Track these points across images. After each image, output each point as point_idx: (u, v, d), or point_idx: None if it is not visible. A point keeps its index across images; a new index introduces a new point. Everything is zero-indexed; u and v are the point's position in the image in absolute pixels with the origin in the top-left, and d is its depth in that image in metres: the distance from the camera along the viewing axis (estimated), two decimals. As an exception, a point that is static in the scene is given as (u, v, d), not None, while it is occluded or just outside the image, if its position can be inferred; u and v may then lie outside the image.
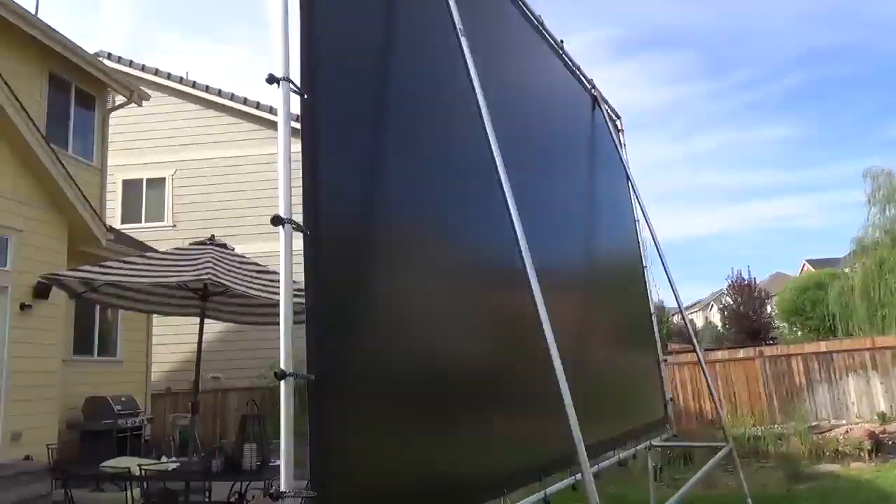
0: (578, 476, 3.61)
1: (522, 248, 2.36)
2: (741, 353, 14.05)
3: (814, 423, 12.62)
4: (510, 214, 2.40)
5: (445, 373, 2.41)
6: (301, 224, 1.90)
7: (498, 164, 2.46)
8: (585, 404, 4.06)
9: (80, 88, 12.58)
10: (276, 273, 1.94)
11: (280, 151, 1.87)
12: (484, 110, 2.49)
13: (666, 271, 4.98)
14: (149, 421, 12.03)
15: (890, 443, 11.07)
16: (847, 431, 11.50)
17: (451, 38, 2.53)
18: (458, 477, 2.40)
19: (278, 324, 1.76)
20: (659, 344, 5.24)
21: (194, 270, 5.91)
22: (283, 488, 1.72)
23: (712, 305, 49.60)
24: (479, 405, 2.54)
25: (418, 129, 2.56)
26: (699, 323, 52.62)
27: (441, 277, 2.49)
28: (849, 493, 7.65)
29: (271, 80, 1.85)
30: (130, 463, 5.61)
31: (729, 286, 35.00)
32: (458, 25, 2.57)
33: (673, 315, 58.90)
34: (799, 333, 32.08)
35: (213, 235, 7.47)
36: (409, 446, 2.14)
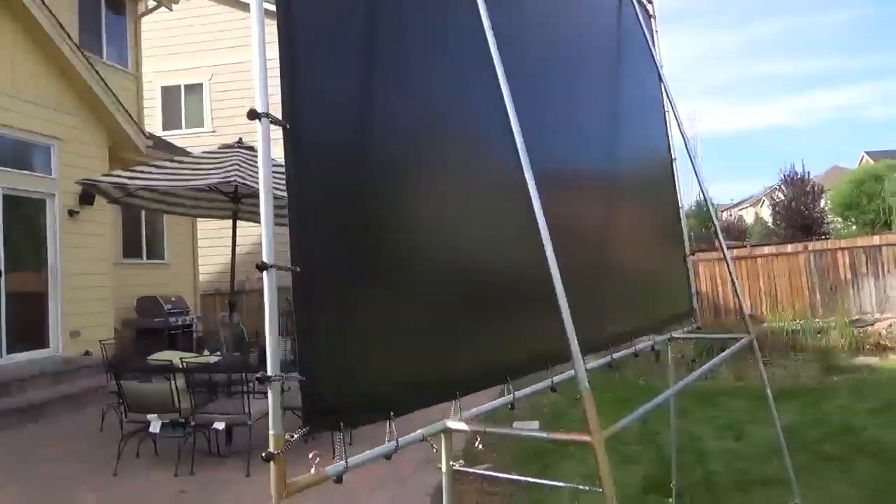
0: (591, 364, 3.68)
1: (517, 138, 2.30)
2: (788, 248, 13.76)
3: (856, 318, 12.46)
4: (506, 105, 2.32)
5: (440, 263, 2.42)
6: (280, 118, 1.89)
7: (493, 53, 2.36)
8: (602, 298, 4.08)
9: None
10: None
11: (254, 36, 1.83)
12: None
13: (693, 166, 4.83)
14: (199, 319, 12.65)
15: (934, 336, 10.88)
16: (890, 325, 11.33)
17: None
18: (456, 366, 2.46)
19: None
20: (687, 239, 5.14)
21: (223, 173, 6.01)
22: (269, 373, 1.80)
23: (764, 201, 48.29)
24: (476, 297, 2.57)
25: (409, 15, 2.46)
26: (749, 219, 51.52)
27: (432, 167, 2.46)
28: (881, 385, 7.63)
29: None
30: (174, 356, 5.95)
31: (781, 181, 33.93)
32: None
33: (722, 211, 57.72)
34: (853, 228, 31.18)
35: (241, 139, 7.52)
36: (399, 336, 2.19)
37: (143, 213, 11.82)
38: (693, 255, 5.58)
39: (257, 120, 1.84)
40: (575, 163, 4.01)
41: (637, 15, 4.80)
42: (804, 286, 13.13)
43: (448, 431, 2.50)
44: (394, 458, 2.17)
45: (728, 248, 20.24)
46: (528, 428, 5.54)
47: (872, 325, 11.78)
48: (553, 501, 4.51)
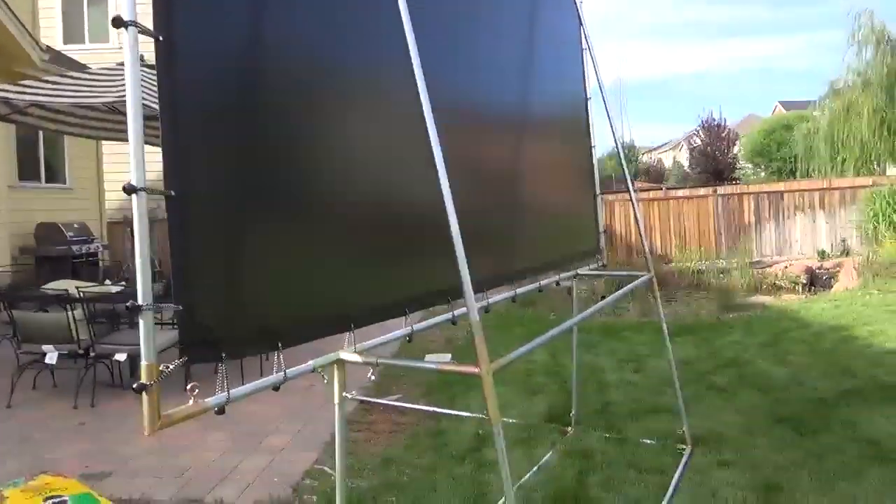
0: (496, 298, 3.73)
1: (416, 70, 2.21)
2: (700, 192, 14.29)
3: (756, 260, 13.18)
4: (406, 34, 2.22)
5: (335, 191, 2.34)
6: (150, 28, 1.74)
7: None
8: (511, 234, 4.11)
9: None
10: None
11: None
12: None
13: (606, 109, 4.87)
14: (105, 248, 12.10)
15: (824, 277, 11.66)
16: (786, 267, 12.04)
17: None
18: (353, 298, 2.42)
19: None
20: (597, 179, 5.21)
21: (117, 91, 5.61)
22: (139, 301, 1.71)
23: (683, 146, 49.78)
24: (374, 229, 2.51)
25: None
26: (668, 163, 53.14)
27: (326, 91, 2.34)
28: (770, 321, 8.14)
29: None
30: (69, 286, 5.67)
31: (699, 126, 35.05)
32: None
33: (643, 154, 59.18)
34: (763, 175, 32.71)
35: (142, 55, 7.01)
36: (287, 265, 2.12)
37: (41, 133, 11.03)
38: (605, 195, 5.69)
39: (124, 29, 1.68)
40: (485, 98, 3.95)
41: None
42: (711, 229, 13.72)
43: (341, 362, 2.49)
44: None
45: (645, 190, 20.89)
46: (424, 361, 5.62)
47: (770, 266, 12.49)
48: (458, 429, 4.64)
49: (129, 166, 1.71)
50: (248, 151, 2.00)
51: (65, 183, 12.21)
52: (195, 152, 1.87)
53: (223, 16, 1.95)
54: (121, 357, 5.54)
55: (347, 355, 2.45)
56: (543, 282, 4.25)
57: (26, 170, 11.19)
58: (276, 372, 2.12)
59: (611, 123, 4.76)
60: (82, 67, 11.61)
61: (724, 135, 34.36)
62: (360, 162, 2.50)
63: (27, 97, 6.06)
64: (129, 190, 1.68)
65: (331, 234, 2.32)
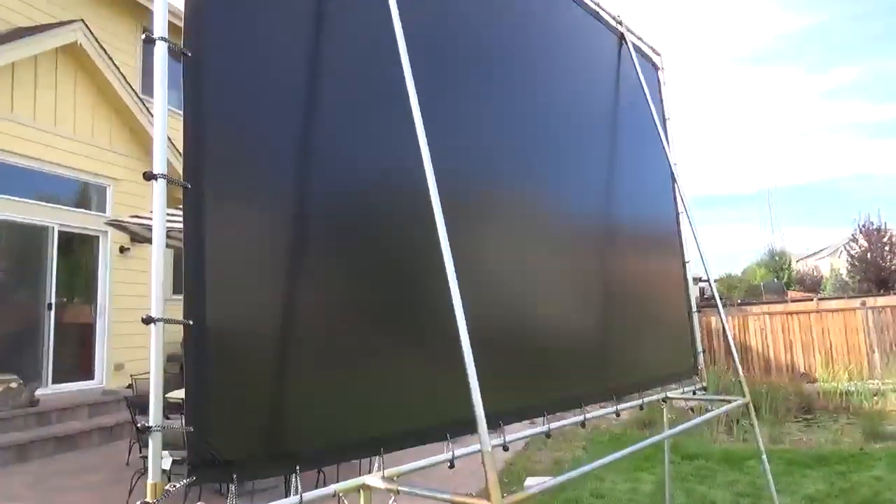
0: (558, 424, 3.60)
1: (428, 175, 2.29)
2: (833, 304, 13.06)
3: (919, 381, 11.65)
4: (418, 138, 2.31)
5: (340, 322, 2.42)
6: (181, 178, 1.98)
7: (409, 86, 2.36)
8: (584, 352, 4.00)
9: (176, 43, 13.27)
10: None
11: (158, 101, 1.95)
12: (401, 40, 2.39)
13: (690, 225, 4.74)
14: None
15: None
16: (957, 390, 10.53)
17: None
18: (377, 419, 2.45)
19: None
20: (692, 293, 5.00)
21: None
22: (150, 423, 1.85)
23: (841, 252, 46.03)
24: (381, 353, 2.54)
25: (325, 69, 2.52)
26: (825, 270, 49.17)
27: (336, 221, 2.47)
28: (925, 456, 7.08)
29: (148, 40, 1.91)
30: (185, 394, 6.10)
31: (856, 231, 32.47)
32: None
33: (797, 261, 55.36)
34: (936, 283, 29.32)
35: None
36: (292, 393, 2.21)
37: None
38: (699, 309, 5.41)
39: (153, 181, 1.93)
40: (566, 213, 4.01)
41: (638, 71, 4.79)
42: (861, 345, 12.40)
43: (367, 487, 2.49)
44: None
45: (797, 300, 19.38)
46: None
47: (936, 389, 10.98)
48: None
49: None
50: (261, 285, 2.16)
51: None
52: (210, 290, 2.04)
53: (246, 169, 2.18)
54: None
55: (373, 480, 2.45)
56: (622, 406, 4.05)
57: (180, 284, 12.39)
58: (293, 494, 2.17)
59: (695, 236, 4.61)
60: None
61: (885, 239, 31.52)
62: (406, 280, 2.60)
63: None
64: (148, 321, 1.86)
65: (359, 353, 2.39)
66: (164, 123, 1.94)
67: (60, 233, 9.62)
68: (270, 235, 2.21)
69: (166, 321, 1.88)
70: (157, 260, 1.90)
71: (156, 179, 1.90)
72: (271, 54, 2.16)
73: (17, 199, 9.02)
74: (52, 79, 9.50)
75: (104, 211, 10.35)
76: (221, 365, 2.02)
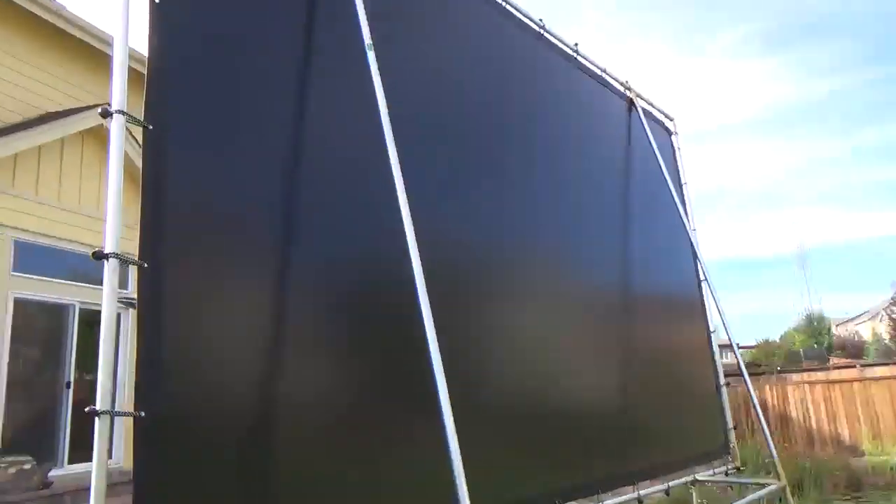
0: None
1: (410, 245, 2.14)
2: (878, 371, 12.43)
3: (977, 453, 10.86)
4: (399, 207, 2.18)
5: (292, 415, 2.22)
6: (136, 258, 1.86)
7: (390, 152, 2.25)
8: (599, 432, 3.73)
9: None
10: None
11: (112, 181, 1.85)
12: (384, 113, 2.30)
13: (711, 292, 4.52)
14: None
15: None
16: None
17: (353, 53, 2.37)
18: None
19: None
20: (720, 366, 4.72)
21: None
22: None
23: (882, 316, 44.53)
24: (346, 448, 2.34)
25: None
26: (866, 335, 47.47)
27: (303, 302, 2.33)
28: None
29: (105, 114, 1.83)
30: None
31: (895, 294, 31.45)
32: (367, 40, 2.42)
33: (836, 325, 53.71)
34: None
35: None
36: (248, 482, 2.02)
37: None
38: (727, 382, 5.09)
39: (104, 260, 1.81)
40: (585, 285, 3.84)
41: (649, 137, 4.68)
42: (912, 414, 11.69)
43: None
44: None
45: (839, 367, 18.59)
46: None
47: None
48: None
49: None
50: (216, 379, 2.00)
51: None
52: (164, 380, 1.89)
53: (200, 245, 2.06)
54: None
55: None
56: (643, 491, 3.74)
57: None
58: None
59: (716, 302, 4.36)
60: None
61: (929, 302, 30.43)
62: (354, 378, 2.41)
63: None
64: (96, 413, 1.70)
65: (299, 460, 2.20)
66: (120, 198, 1.83)
67: (81, 310, 9.64)
68: (234, 322, 2.06)
69: (115, 414, 1.71)
70: (105, 340, 1.75)
71: (107, 259, 1.78)
72: (237, 129, 2.07)
73: (37, 277, 9.11)
74: (77, 159, 9.75)
75: (126, 288, 10.39)
76: (173, 462, 1.85)
